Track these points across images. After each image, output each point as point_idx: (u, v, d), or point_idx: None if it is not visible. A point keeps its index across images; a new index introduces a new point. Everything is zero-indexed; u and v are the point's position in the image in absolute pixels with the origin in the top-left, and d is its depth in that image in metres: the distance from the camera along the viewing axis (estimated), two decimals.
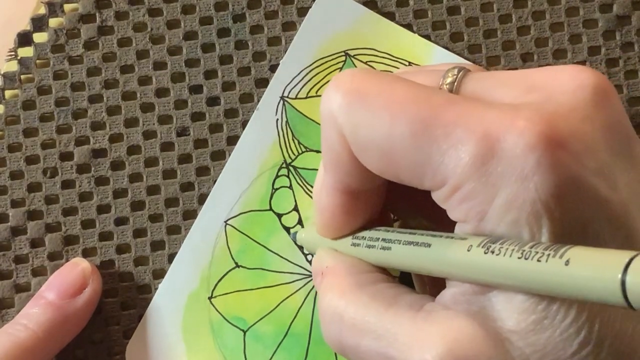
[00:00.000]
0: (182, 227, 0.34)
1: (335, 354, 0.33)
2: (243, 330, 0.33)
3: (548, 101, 0.22)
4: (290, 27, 0.35)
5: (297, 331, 0.33)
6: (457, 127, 0.22)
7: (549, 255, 0.20)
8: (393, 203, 0.28)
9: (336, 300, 0.25)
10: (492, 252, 0.21)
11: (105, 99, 0.34)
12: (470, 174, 0.21)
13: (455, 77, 0.25)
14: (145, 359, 0.33)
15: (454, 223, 0.23)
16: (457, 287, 0.23)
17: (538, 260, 0.20)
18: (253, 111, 0.34)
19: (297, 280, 0.34)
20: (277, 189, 0.34)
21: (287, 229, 0.34)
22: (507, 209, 0.21)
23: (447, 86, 0.25)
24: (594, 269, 0.19)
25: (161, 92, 0.34)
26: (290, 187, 0.34)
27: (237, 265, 0.34)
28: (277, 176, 0.34)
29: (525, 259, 0.20)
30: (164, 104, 0.34)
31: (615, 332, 0.21)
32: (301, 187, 0.34)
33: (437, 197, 0.23)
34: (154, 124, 0.34)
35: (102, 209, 0.34)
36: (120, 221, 0.34)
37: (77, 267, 0.33)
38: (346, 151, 0.24)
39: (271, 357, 0.33)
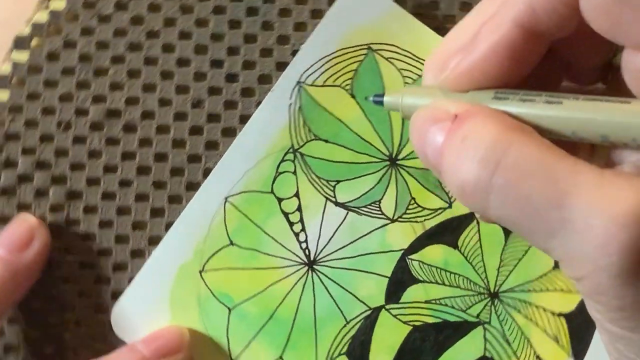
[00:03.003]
0: (184, 198, 0.34)
1: (316, 342, 0.33)
2: (229, 308, 0.33)
3: None
4: (318, 14, 0.34)
5: (281, 317, 0.33)
6: None
7: None
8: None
9: (494, 136, 0.21)
10: None
11: (127, 60, 0.35)
12: None
13: None
14: (129, 322, 0.34)
15: None
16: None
17: None
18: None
19: (289, 266, 0.33)
20: (281, 172, 0.34)
21: (286, 215, 0.33)
22: None
23: None
24: None
25: (182, 62, 0.35)
26: (294, 172, 0.34)
27: (232, 243, 0.34)
28: (283, 160, 0.34)
29: None
30: (184, 74, 0.34)
31: None
32: (305, 174, 0.34)
33: None
34: (171, 92, 0.34)
35: (109, 168, 0.34)
36: (125, 183, 0.34)
37: (24, 222, 0.33)
38: None
39: (253, 338, 0.33)
